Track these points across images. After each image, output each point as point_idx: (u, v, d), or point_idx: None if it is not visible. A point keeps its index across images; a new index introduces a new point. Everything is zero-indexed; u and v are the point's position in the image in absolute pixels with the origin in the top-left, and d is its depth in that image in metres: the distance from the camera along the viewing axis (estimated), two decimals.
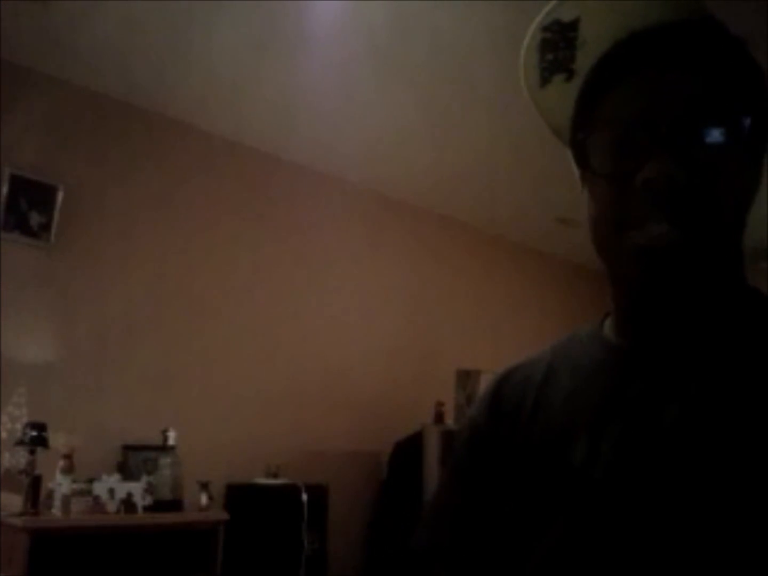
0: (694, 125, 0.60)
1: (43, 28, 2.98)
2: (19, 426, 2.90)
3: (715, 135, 0.60)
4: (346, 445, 4.09)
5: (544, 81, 0.67)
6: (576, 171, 0.69)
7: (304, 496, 3.48)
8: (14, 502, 2.72)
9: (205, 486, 3.20)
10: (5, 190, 3.16)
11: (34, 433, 2.81)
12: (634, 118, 0.61)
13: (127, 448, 3.23)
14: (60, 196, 3.29)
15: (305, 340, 4.07)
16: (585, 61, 0.65)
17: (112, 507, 2.86)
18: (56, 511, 2.73)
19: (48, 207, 3.27)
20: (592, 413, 0.65)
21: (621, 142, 0.62)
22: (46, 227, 3.26)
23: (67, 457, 2.79)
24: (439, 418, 4.09)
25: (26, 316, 3.14)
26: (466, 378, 4.07)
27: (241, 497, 3.48)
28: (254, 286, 3.94)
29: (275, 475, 3.57)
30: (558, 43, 0.64)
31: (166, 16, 2.90)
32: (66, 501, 2.73)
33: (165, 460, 3.15)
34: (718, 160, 0.59)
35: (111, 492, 2.88)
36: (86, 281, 3.36)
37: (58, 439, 2.86)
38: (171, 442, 3.23)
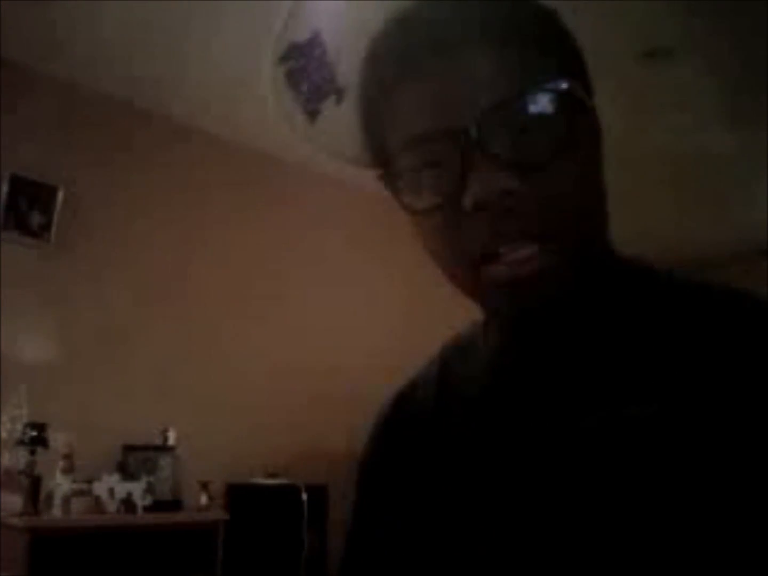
0: (509, 112, 0.47)
1: (43, 28, 2.98)
2: (19, 426, 2.89)
3: (537, 114, 0.47)
4: (346, 445, 4.09)
5: (313, 115, 0.54)
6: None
7: (304, 496, 3.47)
8: (14, 502, 2.72)
9: (205, 486, 3.20)
10: (5, 190, 3.16)
11: (34, 433, 2.81)
12: (432, 128, 0.48)
13: (127, 448, 3.23)
14: (60, 196, 3.29)
15: (305, 340, 4.07)
16: (350, 73, 0.52)
17: (112, 507, 2.85)
18: (56, 511, 2.72)
19: (48, 207, 3.27)
20: (482, 447, 0.56)
21: (429, 164, 0.49)
22: (46, 227, 3.26)
23: (67, 457, 2.79)
24: None
25: (26, 316, 3.14)
26: None
27: (241, 497, 3.48)
28: (255, 286, 3.94)
29: (275, 475, 3.57)
30: (306, 68, 0.52)
31: (166, 16, 2.90)
32: (66, 501, 2.73)
33: (165, 460, 3.15)
34: (549, 144, 0.47)
35: (111, 492, 2.88)
36: (86, 281, 3.36)
37: (58, 439, 2.86)
38: (171, 442, 3.23)
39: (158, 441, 3.24)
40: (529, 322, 0.53)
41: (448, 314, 5.00)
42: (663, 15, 2.76)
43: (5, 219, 3.15)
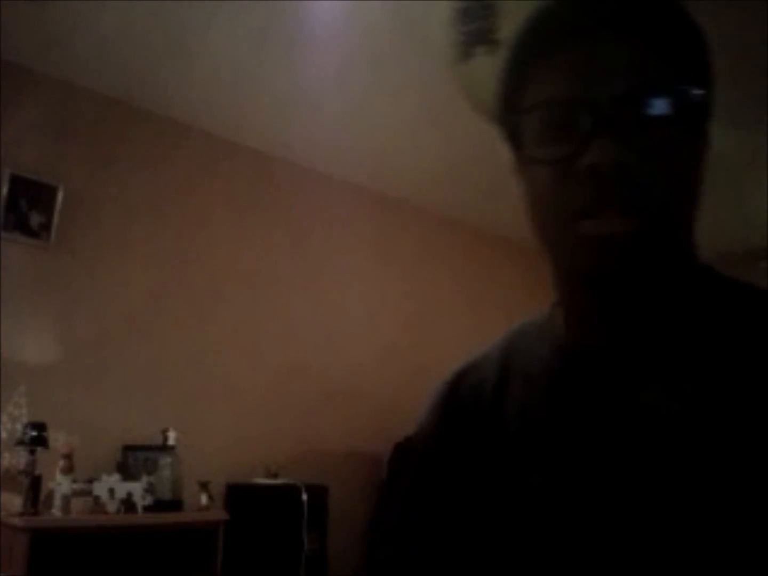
0: (638, 100, 0.54)
1: (43, 28, 2.98)
2: (19, 426, 2.89)
3: (662, 110, 0.54)
4: (346, 445, 4.09)
5: (466, 54, 0.62)
6: (507, 154, 0.62)
7: (304, 496, 3.47)
8: (14, 502, 2.72)
9: (205, 486, 3.20)
10: (5, 190, 3.16)
11: (34, 433, 2.81)
12: (571, 95, 0.55)
13: (127, 448, 3.23)
14: (60, 196, 3.29)
15: (305, 340, 4.07)
16: (509, 30, 0.60)
17: (112, 507, 2.85)
18: (56, 511, 2.72)
19: (48, 207, 3.27)
20: (547, 426, 0.60)
21: (558, 124, 0.56)
22: (46, 227, 3.26)
23: (67, 457, 2.79)
24: None
25: (26, 316, 3.14)
26: None
27: (241, 497, 3.48)
28: (254, 286, 3.94)
29: (275, 475, 3.57)
30: (476, 12, 0.60)
31: (165, 16, 2.90)
32: (66, 501, 2.73)
33: (165, 460, 3.14)
34: (666, 137, 0.54)
35: (111, 492, 2.88)
36: (86, 281, 3.36)
37: (58, 439, 2.86)
38: (171, 442, 3.23)
39: (158, 441, 3.24)
40: (607, 281, 0.57)
41: (449, 315, 5.01)
42: None
43: (5, 219, 3.15)
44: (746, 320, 0.57)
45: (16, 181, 3.18)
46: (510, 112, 0.60)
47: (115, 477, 2.98)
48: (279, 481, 3.55)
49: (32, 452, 2.79)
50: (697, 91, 0.56)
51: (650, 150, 0.54)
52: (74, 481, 2.80)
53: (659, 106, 0.54)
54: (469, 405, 0.68)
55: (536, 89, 0.58)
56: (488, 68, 0.61)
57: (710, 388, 0.54)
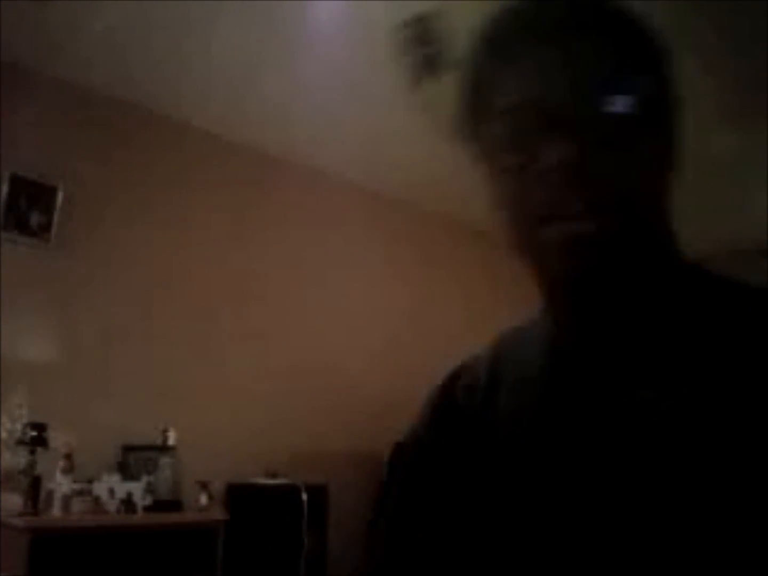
0: (586, 101, 0.53)
1: (42, 28, 2.98)
2: (19, 426, 2.89)
3: (612, 104, 0.53)
4: (346, 445, 4.09)
5: (420, 77, 0.63)
6: (472, 166, 0.63)
7: (304, 496, 3.47)
8: (14, 502, 2.72)
9: (205, 486, 3.20)
10: (5, 190, 3.16)
11: (34, 433, 2.81)
12: (521, 103, 0.55)
13: (127, 448, 3.23)
14: (60, 196, 3.29)
15: (305, 340, 4.07)
16: (459, 50, 0.61)
17: (112, 507, 2.85)
18: (56, 511, 2.72)
19: (48, 207, 3.27)
20: (539, 426, 0.60)
21: (512, 132, 0.56)
22: (46, 227, 3.26)
23: (67, 457, 2.79)
24: None
25: (26, 316, 3.14)
26: None
27: (241, 497, 3.48)
28: (254, 285, 3.94)
29: (275, 475, 3.57)
30: (424, 37, 0.61)
31: (165, 16, 2.90)
32: (66, 501, 2.73)
33: (165, 460, 3.14)
34: (617, 135, 0.53)
35: (111, 492, 2.88)
36: (86, 281, 3.36)
37: (58, 439, 2.86)
38: (171, 442, 3.23)
39: (158, 441, 3.24)
40: (577, 283, 0.57)
41: (449, 316, 5.00)
42: (663, 15, 2.75)
43: (5, 219, 3.15)
44: (735, 315, 0.56)
45: (16, 181, 3.19)
46: (467, 126, 0.61)
47: (115, 477, 2.98)
48: (279, 481, 3.55)
49: (32, 452, 2.79)
50: (645, 86, 0.55)
51: (605, 146, 0.53)
52: (74, 481, 2.80)
53: (608, 101, 0.53)
54: (461, 406, 0.68)
55: (489, 102, 0.58)
56: (443, 87, 0.61)
57: (701, 383, 0.53)
